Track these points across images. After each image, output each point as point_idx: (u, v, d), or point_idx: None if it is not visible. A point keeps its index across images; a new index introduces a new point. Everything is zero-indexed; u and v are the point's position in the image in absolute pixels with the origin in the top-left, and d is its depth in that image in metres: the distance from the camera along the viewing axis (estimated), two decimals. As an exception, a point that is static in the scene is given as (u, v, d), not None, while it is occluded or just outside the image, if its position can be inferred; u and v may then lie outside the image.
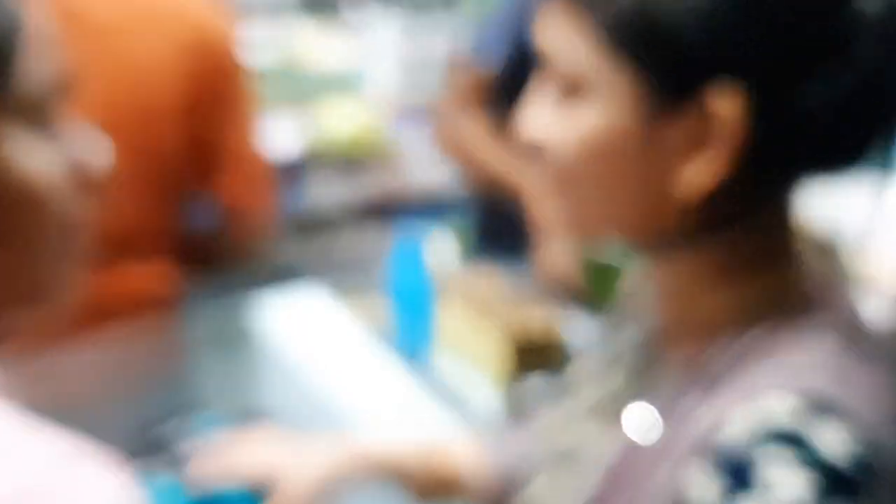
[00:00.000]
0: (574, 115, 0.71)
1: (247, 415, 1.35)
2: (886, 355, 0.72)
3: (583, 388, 0.86)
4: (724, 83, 0.66)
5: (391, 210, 2.40)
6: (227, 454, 1.08)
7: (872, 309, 0.78)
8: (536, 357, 1.44)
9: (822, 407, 0.63)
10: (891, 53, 0.66)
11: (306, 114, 2.47)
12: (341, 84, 2.65)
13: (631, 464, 0.75)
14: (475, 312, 1.49)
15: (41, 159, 0.65)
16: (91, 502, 0.56)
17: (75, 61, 1.66)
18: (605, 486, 0.77)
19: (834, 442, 0.62)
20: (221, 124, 1.64)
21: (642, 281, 0.85)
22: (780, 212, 0.72)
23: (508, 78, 1.98)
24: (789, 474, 0.61)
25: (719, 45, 0.66)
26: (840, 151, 0.69)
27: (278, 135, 2.47)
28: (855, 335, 0.70)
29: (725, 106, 0.66)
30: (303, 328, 1.64)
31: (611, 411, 0.81)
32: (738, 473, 0.62)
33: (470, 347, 1.49)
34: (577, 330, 1.52)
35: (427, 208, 2.41)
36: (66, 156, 0.67)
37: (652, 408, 0.77)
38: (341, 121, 2.53)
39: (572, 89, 0.71)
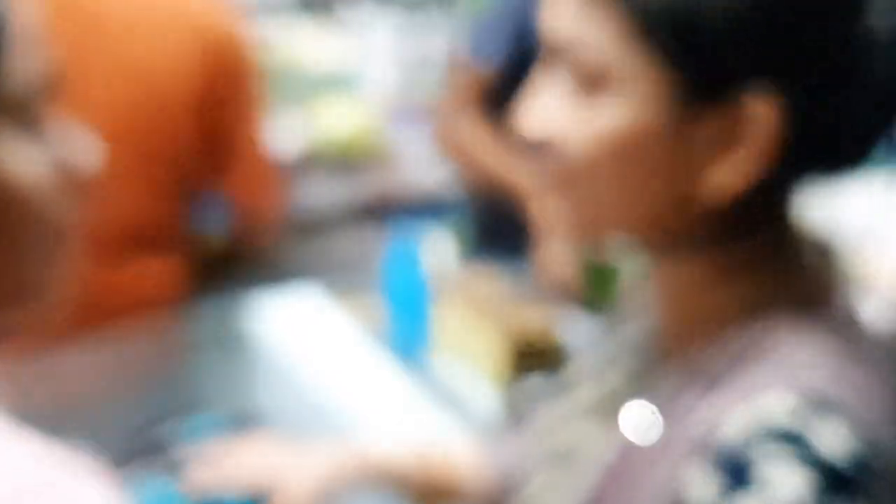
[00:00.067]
0: (593, 110, 0.68)
1: (243, 416, 1.35)
2: (885, 355, 0.73)
3: (581, 388, 0.86)
4: (760, 85, 0.65)
5: (388, 210, 2.40)
6: (225, 460, 1.08)
7: (872, 310, 0.78)
8: (534, 358, 1.44)
9: (821, 406, 0.63)
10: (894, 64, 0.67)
11: (302, 113, 2.46)
12: (337, 84, 2.64)
13: (630, 463, 0.75)
14: (473, 313, 1.49)
15: (26, 159, 0.64)
16: None
17: (84, 59, 1.67)
18: (603, 486, 0.77)
19: (833, 440, 0.62)
20: (232, 122, 1.66)
21: (640, 281, 0.84)
22: (782, 212, 0.72)
23: (507, 77, 1.98)
24: (788, 473, 0.61)
25: (759, 47, 0.65)
26: (847, 154, 0.70)
27: (275, 134, 2.47)
28: (853, 335, 0.70)
29: (761, 108, 0.65)
30: (299, 329, 1.64)
31: (609, 411, 0.80)
32: (736, 472, 0.62)
33: (468, 348, 1.49)
34: (576, 330, 1.52)
35: (424, 208, 2.41)
36: (52, 155, 0.66)
37: (651, 407, 0.77)
38: (337, 120, 2.53)
39: (592, 82, 0.68)
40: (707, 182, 0.68)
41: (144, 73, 1.56)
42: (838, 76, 0.66)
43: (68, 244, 0.69)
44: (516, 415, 1.40)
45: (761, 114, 0.66)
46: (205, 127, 1.61)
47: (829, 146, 0.69)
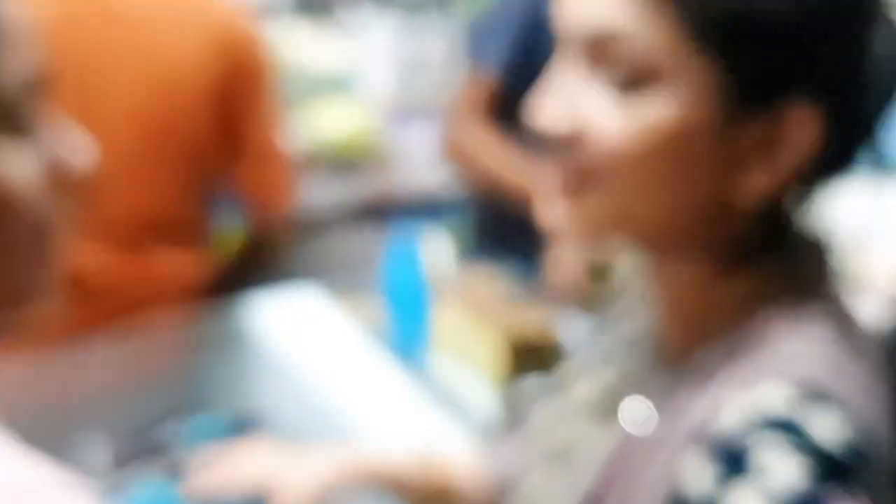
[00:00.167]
0: (639, 105, 0.67)
1: (243, 416, 1.35)
2: (878, 349, 0.74)
3: (576, 385, 0.86)
4: (803, 94, 0.66)
5: (386, 211, 2.40)
6: (224, 464, 1.08)
7: (868, 308, 0.79)
8: (533, 358, 1.44)
9: (815, 395, 0.64)
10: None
11: (301, 115, 2.46)
12: (336, 85, 2.64)
13: (627, 456, 0.76)
14: (471, 313, 1.50)
15: (15, 160, 0.64)
16: None
17: (111, 51, 1.72)
18: (602, 481, 0.77)
19: (827, 429, 0.62)
20: (246, 115, 1.73)
21: (636, 277, 0.85)
22: (787, 212, 0.73)
23: (510, 79, 1.98)
24: (783, 460, 0.61)
25: (807, 57, 0.66)
26: (847, 159, 0.72)
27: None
28: (848, 329, 0.71)
29: (803, 117, 0.67)
30: (298, 329, 1.64)
31: (605, 408, 0.81)
32: (732, 459, 0.63)
33: (466, 348, 1.49)
34: (574, 330, 1.52)
35: (422, 209, 2.41)
36: (43, 156, 0.66)
37: (647, 402, 0.77)
38: (337, 121, 2.53)
39: (639, 77, 0.67)
40: (742, 186, 0.68)
41: (166, 66, 1.64)
42: (864, 88, 0.68)
43: (59, 244, 0.69)
44: (515, 414, 1.40)
45: (803, 123, 0.67)
46: (221, 118, 1.69)
47: (848, 154, 0.71)
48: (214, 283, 1.82)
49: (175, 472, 1.21)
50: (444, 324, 1.54)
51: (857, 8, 0.68)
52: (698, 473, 0.64)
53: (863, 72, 0.68)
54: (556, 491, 0.81)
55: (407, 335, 1.59)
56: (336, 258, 2.26)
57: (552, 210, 0.73)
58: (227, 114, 1.70)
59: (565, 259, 1.82)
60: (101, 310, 1.67)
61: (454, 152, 2.12)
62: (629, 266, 0.89)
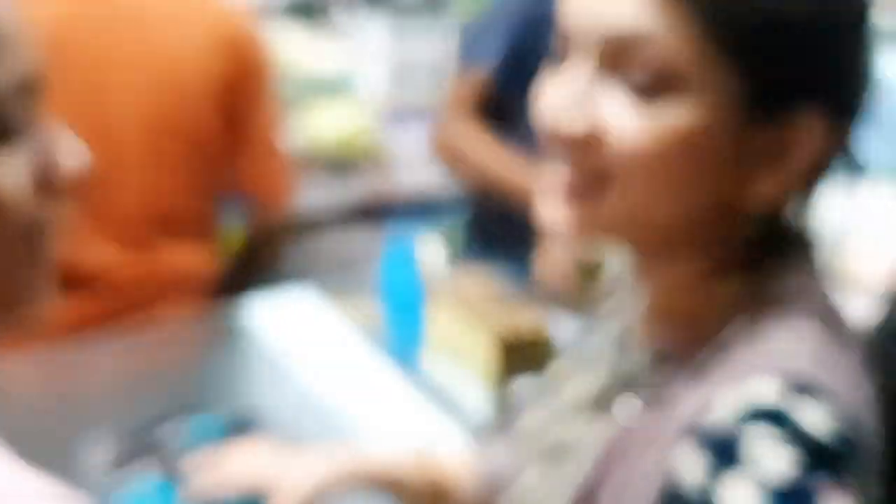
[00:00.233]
0: (658, 107, 0.67)
1: (240, 416, 1.36)
2: (865, 344, 0.75)
3: (567, 384, 0.87)
4: (814, 103, 0.68)
5: (381, 212, 2.41)
6: (222, 464, 1.09)
7: (855, 307, 0.80)
8: (526, 358, 1.44)
9: (804, 388, 0.65)
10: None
11: (297, 116, 2.47)
12: (331, 87, 2.65)
13: (620, 451, 0.76)
14: (465, 314, 1.50)
15: (5, 164, 0.64)
16: None
17: (121, 47, 1.80)
18: (595, 476, 0.78)
19: (816, 419, 0.64)
20: (249, 112, 1.79)
21: (625, 275, 0.86)
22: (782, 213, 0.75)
23: (503, 80, 1.99)
24: (774, 450, 0.62)
25: (821, 67, 0.68)
26: (847, 161, 0.74)
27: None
28: (836, 325, 0.72)
29: (813, 125, 0.68)
30: (293, 329, 1.65)
31: (595, 406, 0.82)
32: (724, 451, 0.64)
33: (460, 349, 1.49)
34: (567, 330, 1.52)
35: (417, 210, 2.41)
36: (33, 159, 0.65)
37: (637, 399, 0.78)
38: (332, 123, 2.54)
39: (659, 81, 0.67)
40: (750, 191, 0.70)
41: (172, 64, 1.70)
42: (866, 98, 0.71)
43: (51, 246, 0.69)
44: (508, 415, 1.41)
45: (813, 129, 0.69)
46: (225, 115, 1.74)
47: (847, 161, 0.73)
48: (217, 282, 1.83)
49: (174, 471, 1.21)
50: (439, 324, 1.55)
51: (865, 16, 0.70)
52: (690, 465, 0.65)
53: (867, 78, 0.71)
54: (550, 488, 0.82)
55: (402, 335, 1.59)
56: (332, 258, 2.27)
57: (552, 209, 0.73)
58: (230, 111, 1.75)
59: (555, 257, 1.83)
60: (112, 306, 1.69)
61: (444, 150, 2.13)
62: (618, 265, 0.90)
